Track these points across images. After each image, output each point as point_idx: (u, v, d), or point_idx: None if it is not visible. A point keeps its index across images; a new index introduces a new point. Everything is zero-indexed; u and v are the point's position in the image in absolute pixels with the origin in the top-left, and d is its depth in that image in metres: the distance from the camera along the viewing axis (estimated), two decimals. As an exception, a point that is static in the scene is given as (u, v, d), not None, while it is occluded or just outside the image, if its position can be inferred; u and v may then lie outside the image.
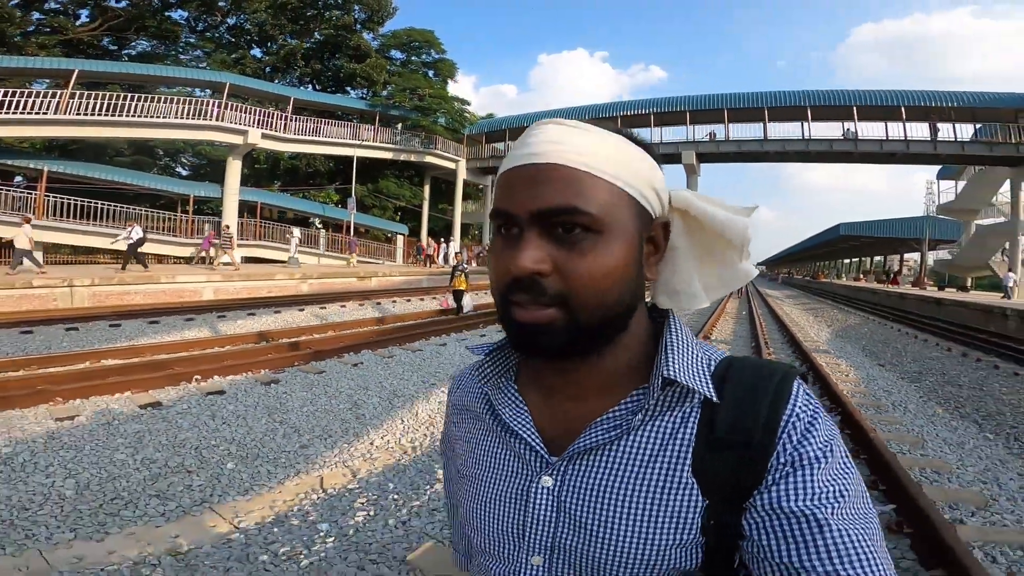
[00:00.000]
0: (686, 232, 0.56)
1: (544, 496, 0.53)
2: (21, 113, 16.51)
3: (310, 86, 29.78)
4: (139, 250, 14.37)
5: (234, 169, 20.45)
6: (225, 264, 16.02)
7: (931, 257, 37.17)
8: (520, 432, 0.54)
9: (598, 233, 0.47)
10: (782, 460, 0.47)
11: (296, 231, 21.00)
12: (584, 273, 0.47)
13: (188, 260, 19.03)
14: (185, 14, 26.46)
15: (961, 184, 30.01)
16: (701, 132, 25.37)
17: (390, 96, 26.25)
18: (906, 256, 46.07)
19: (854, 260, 62.68)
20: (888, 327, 14.26)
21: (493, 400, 0.57)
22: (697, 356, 0.52)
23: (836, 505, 0.45)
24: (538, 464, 0.54)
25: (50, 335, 7.64)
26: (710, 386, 0.50)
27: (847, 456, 0.49)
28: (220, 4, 26.24)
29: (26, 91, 16.96)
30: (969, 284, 31.00)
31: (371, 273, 18.22)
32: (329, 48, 28.26)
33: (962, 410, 5.98)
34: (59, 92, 17.21)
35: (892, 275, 35.16)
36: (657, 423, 0.51)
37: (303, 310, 11.35)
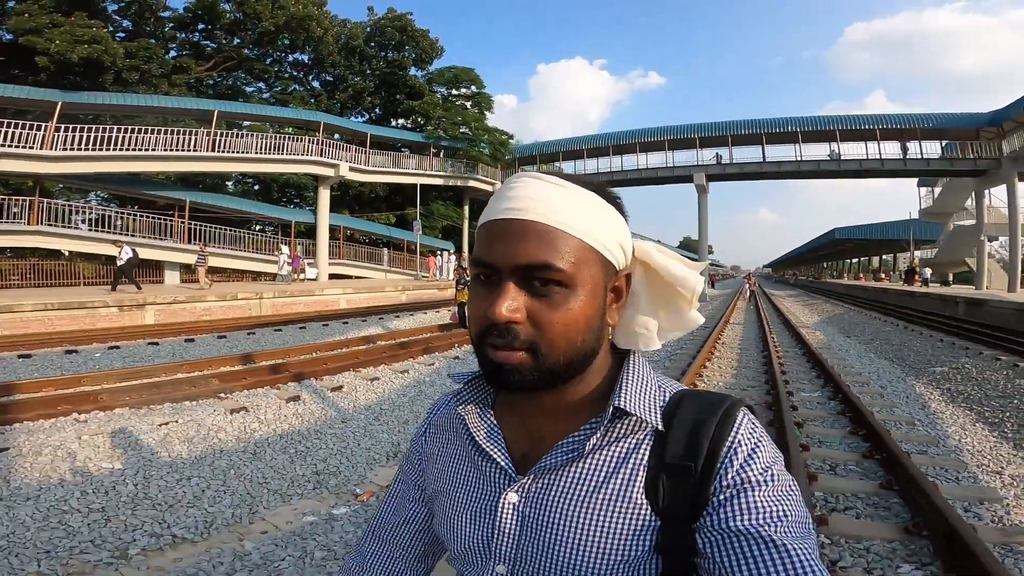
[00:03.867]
0: (646, 281, 0.63)
1: (509, 511, 0.58)
2: (164, 150, 20.00)
3: (360, 117, 34.08)
4: (128, 269, 14.41)
5: (324, 197, 24.58)
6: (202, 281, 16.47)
7: (917, 256, 41.27)
8: (490, 452, 0.61)
9: (568, 287, 0.52)
10: (724, 483, 0.52)
11: (285, 248, 21.38)
12: (553, 323, 0.52)
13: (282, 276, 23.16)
14: (256, 50, 30.29)
15: (937, 191, 34.19)
16: (708, 154, 29.49)
17: (443, 128, 30.51)
18: (899, 255, 50.20)
19: (853, 261, 66.70)
20: (865, 314, 18.30)
21: (469, 423, 0.63)
22: (650, 389, 0.58)
23: (779, 524, 0.50)
24: (505, 482, 0.60)
25: (304, 331, 11.82)
26: (658, 417, 0.56)
27: (792, 481, 0.54)
28: (285, 42, 30.14)
29: (165, 129, 20.50)
30: (951, 279, 35.04)
31: (448, 285, 22.35)
32: (386, 85, 32.61)
33: (886, 355, 10.03)
34: (200, 130, 20.97)
35: (910, 274, 31.58)
36: (612, 448, 0.57)
37: (439, 311, 15.48)
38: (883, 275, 44.28)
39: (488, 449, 0.61)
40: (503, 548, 0.58)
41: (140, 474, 3.91)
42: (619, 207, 0.59)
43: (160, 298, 13.09)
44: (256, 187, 29.64)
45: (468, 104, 35.29)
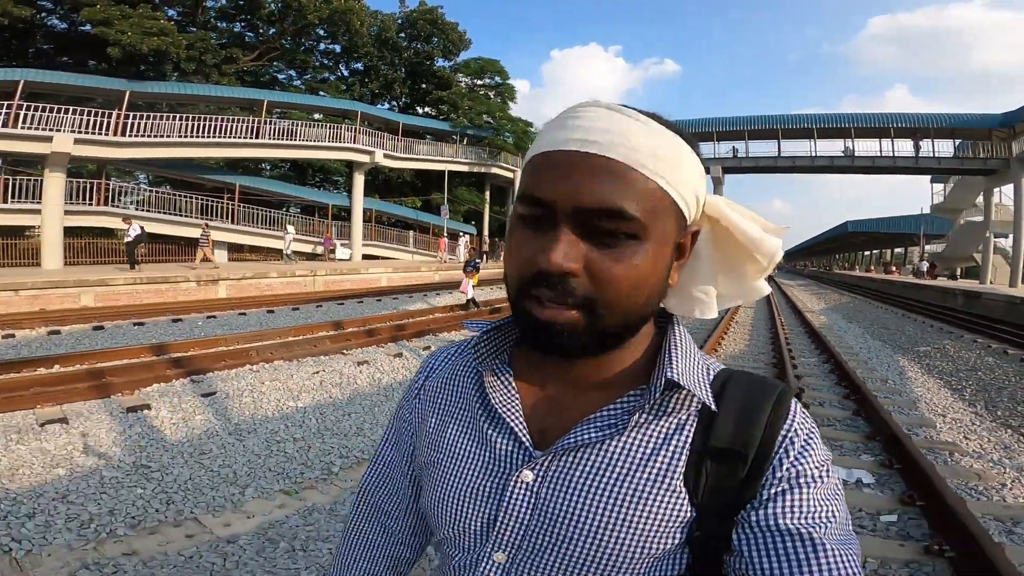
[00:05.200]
0: (712, 241, 0.55)
1: (522, 491, 0.51)
2: (217, 137, 21.43)
3: (385, 104, 35.39)
4: (136, 248, 14.82)
5: (359, 182, 26.06)
6: (204, 261, 16.52)
7: (927, 249, 42.30)
8: (507, 420, 0.53)
9: (638, 239, 0.45)
10: (778, 475, 0.47)
11: (291, 228, 21.66)
12: (617, 279, 0.45)
13: (315, 256, 24.68)
14: (292, 40, 31.64)
15: (949, 187, 34.99)
16: (724, 147, 30.54)
17: (468, 117, 31.86)
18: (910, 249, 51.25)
19: (865, 253, 67.57)
20: (870, 303, 19.53)
21: (485, 381, 0.54)
22: (698, 364, 0.52)
23: (829, 525, 0.46)
24: (521, 456, 0.52)
25: (363, 304, 13.33)
26: (709, 394, 0.49)
27: (838, 479, 0.49)
28: (320, 32, 31.57)
29: (215, 117, 21.92)
30: (959, 273, 36.07)
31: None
32: (413, 75, 33.93)
33: (882, 338, 11.35)
34: (249, 118, 22.48)
35: (931, 268, 29.70)
36: (652, 427, 0.50)
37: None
38: (894, 268, 45.36)
39: (505, 415, 0.53)
40: (507, 533, 0.51)
41: (317, 411, 4.95)
42: (698, 151, 0.50)
43: (232, 274, 14.68)
44: (291, 171, 31.12)
45: (491, 94, 36.46)
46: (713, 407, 0.49)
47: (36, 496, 3.29)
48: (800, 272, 74.94)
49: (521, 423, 0.53)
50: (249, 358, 6.42)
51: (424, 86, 34.00)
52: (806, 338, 10.24)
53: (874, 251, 62.62)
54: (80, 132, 18.07)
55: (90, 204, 19.76)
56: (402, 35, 33.34)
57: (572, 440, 0.50)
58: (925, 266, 27.99)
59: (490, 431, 0.54)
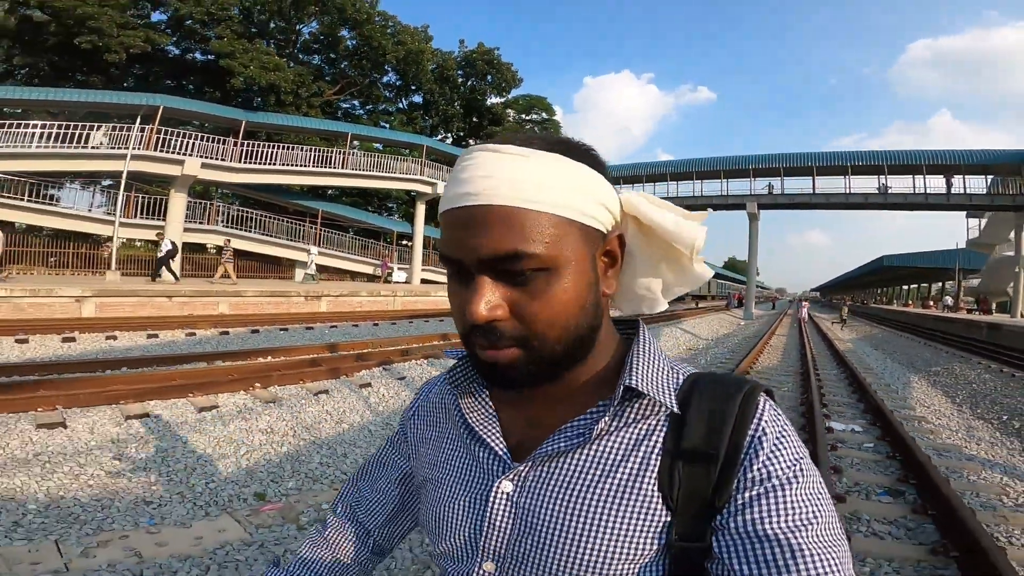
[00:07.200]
0: (641, 236, 0.57)
1: (503, 501, 0.54)
2: (310, 166, 24.01)
3: (437, 136, 38.58)
4: (169, 262, 15.77)
5: (420, 211, 28.74)
6: (223, 277, 17.24)
7: (961, 284, 42.82)
8: (484, 436, 0.56)
9: (549, 270, 0.47)
10: (750, 477, 0.48)
11: (314, 248, 22.91)
12: (540, 313, 0.48)
13: (374, 278, 27.29)
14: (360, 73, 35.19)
15: (983, 222, 35.89)
16: (760, 183, 32.39)
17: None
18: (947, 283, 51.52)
19: (903, 288, 67.59)
20: (898, 335, 20.95)
21: (462, 404, 0.59)
22: (663, 369, 0.54)
23: (809, 528, 0.46)
24: (500, 469, 0.55)
25: (443, 323, 15.65)
26: (673, 399, 0.51)
27: (820, 478, 0.49)
28: (386, 69, 34.90)
29: (303, 147, 24.64)
30: (993, 307, 36.69)
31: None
32: (468, 110, 37.15)
33: (899, 360, 13.04)
34: (334, 149, 25.24)
35: (984, 302, 32.77)
36: (622, 433, 0.52)
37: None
38: (931, 303, 45.70)
39: (481, 432, 0.57)
40: (492, 543, 0.54)
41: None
42: (594, 159, 0.52)
43: (332, 291, 17.16)
44: (357, 197, 34.30)
45: (537, 129, 39.38)
46: (676, 410, 0.51)
47: (338, 443, 4.41)
48: (836, 306, 74.97)
49: (498, 439, 0.57)
50: (410, 356, 8.55)
51: (477, 120, 37.11)
52: (831, 359, 12.09)
53: (911, 285, 62.66)
54: (205, 157, 20.71)
55: (201, 223, 22.74)
56: (459, 72, 36.64)
57: (545, 451, 0.53)
58: (949, 300, 29.17)
59: (473, 448, 0.59)
